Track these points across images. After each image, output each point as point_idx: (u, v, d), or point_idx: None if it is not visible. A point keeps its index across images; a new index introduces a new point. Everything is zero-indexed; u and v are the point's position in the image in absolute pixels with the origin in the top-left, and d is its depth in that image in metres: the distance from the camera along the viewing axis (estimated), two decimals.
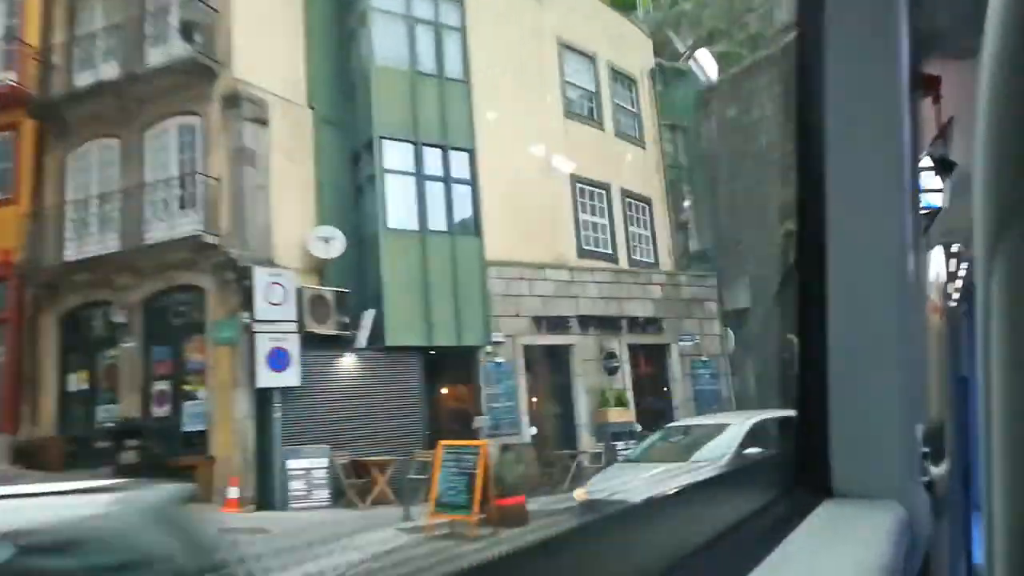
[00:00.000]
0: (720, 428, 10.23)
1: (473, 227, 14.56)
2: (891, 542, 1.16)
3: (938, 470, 2.02)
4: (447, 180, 14.55)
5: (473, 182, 14.73)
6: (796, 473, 1.56)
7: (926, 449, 1.70)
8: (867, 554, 1.06)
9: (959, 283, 3.54)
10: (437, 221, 14.32)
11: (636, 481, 8.66)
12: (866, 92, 1.46)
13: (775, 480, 1.63)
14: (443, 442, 10.31)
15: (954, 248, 3.31)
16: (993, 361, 0.45)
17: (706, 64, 20.84)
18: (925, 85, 2.27)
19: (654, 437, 11.45)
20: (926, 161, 2.68)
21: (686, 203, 20.99)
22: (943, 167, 2.72)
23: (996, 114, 0.45)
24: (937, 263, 3.17)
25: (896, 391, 1.45)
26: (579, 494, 9.26)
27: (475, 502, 9.60)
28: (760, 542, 1.09)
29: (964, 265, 3.40)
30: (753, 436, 9.36)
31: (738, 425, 9.93)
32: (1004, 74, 0.45)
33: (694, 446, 9.98)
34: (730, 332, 18.45)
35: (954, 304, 3.52)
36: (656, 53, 21.88)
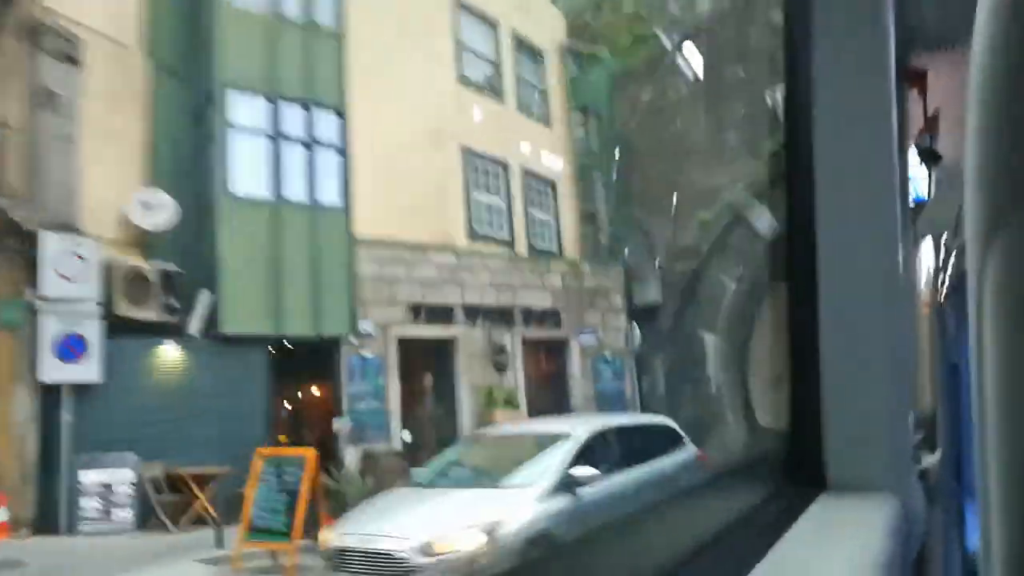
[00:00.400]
0: (547, 440, 7.53)
1: (341, 199, 12.52)
2: (889, 536, 1.17)
3: (931, 459, 2.04)
4: (311, 143, 12.48)
5: (343, 148, 12.70)
6: (790, 467, 1.52)
7: (919, 437, 1.79)
8: (865, 549, 1.07)
9: (948, 274, 3.48)
10: (296, 190, 12.22)
11: (403, 522, 6.33)
12: (854, 85, 1.48)
13: (769, 476, 1.60)
14: (262, 450, 8.27)
15: (943, 240, 3.28)
16: (987, 357, 0.46)
17: (693, 60, 19.08)
18: (911, 77, 2.30)
19: (450, 453, 8.71)
20: (913, 153, 2.67)
21: (596, 190, 19.45)
22: (929, 158, 2.76)
23: (988, 108, 0.46)
24: (926, 254, 3.20)
25: (888, 383, 1.45)
26: (325, 538, 6.82)
27: (296, 526, 7.60)
28: (758, 541, 1.09)
29: (951, 257, 3.33)
30: (591, 450, 7.05)
31: (571, 437, 7.30)
32: (996, 69, 0.45)
33: (506, 464, 7.53)
34: (637, 328, 16.94)
35: (943, 295, 3.44)
36: (573, 34, 20.40)
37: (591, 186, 19.28)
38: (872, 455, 1.43)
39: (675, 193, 18.66)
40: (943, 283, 3.44)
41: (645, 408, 16.35)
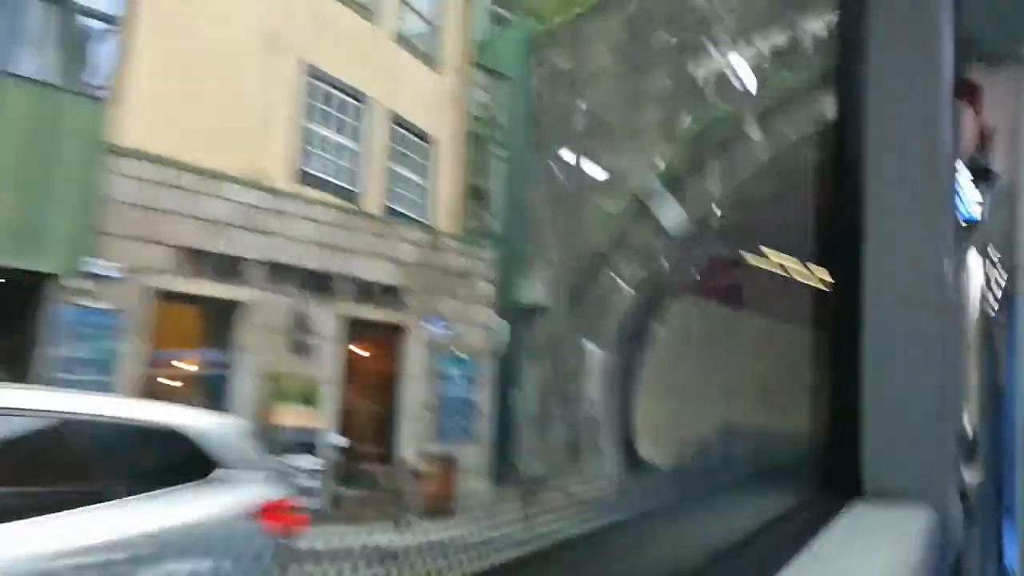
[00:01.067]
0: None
1: (100, 87, 9.00)
2: (923, 546, 1.17)
3: (972, 477, 2.02)
4: (67, 7, 8.94)
5: (120, 22, 9.20)
6: (826, 473, 1.50)
7: (961, 454, 1.74)
8: (898, 558, 1.08)
9: (999, 292, 3.27)
10: (29, 64, 8.66)
11: None
12: (908, 99, 1.48)
13: (805, 480, 1.59)
14: None
15: (994, 257, 3.15)
16: None
17: (741, 71, 15.13)
18: (966, 93, 2.23)
19: None
20: (967, 171, 2.64)
21: (491, 163, 16.43)
22: (983, 177, 2.73)
23: None
24: (977, 272, 3.04)
25: (932, 393, 1.44)
26: None
27: None
28: (789, 544, 1.11)
29: (1004, 275, 3.18)
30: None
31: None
32: None
33: None
34: (508, 327, 13.93)
35: (993, 314, 3.23)
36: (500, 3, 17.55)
37: (485, 158, 16.27)
38: (911, 464, 1.42)
39: (578, 177, 15.82)
40: (994, 303, 3.24)
41: (503, 429, 13.32)
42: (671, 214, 13.79)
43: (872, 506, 1.36)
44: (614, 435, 15.26)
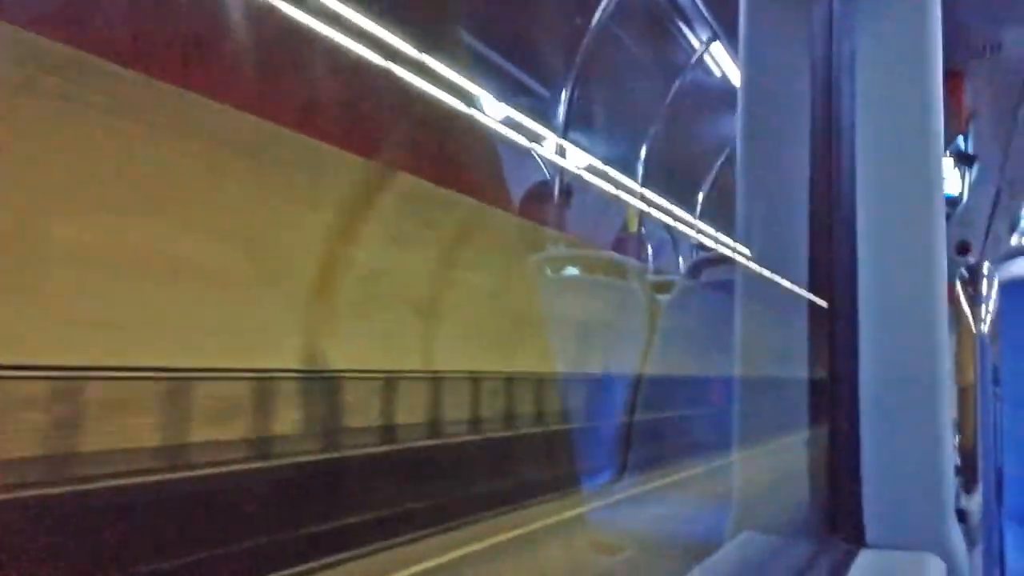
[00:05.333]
0: None
1: None
2: None
3: (972, 496, 2.24)
4: None
5: None
6: (829, 524, 1.52)
7: (958, 466, 2.06)
8: None
9: (991, 303, 3.34)
10: None
11: None
12: (898, 90, 1.45)
13: (808, 532, 1.58)
14: None
15: (984, 270, 3.25)
16: None
17: (724, 65, 13.59)
18: (948, 81, 1.96)
19: None
20: (950, 155, 2.69)
21: None
22: (963, 161, 2.79)
23: None
24: (970, 282, 3.21)
25: (929, 438, 1.44)
26: None
27: None
28: None
29: (995, 286, 3.23)
30: None
31: None
32: None
33: None
34: None
35: (987, 324, 3.30)
36: None
37: None
38: (912, 511, 1.39)
39: None
40: (987, 315, 3.24)
41: None
42: None
43: (877, 556, 1.34)
44: None
